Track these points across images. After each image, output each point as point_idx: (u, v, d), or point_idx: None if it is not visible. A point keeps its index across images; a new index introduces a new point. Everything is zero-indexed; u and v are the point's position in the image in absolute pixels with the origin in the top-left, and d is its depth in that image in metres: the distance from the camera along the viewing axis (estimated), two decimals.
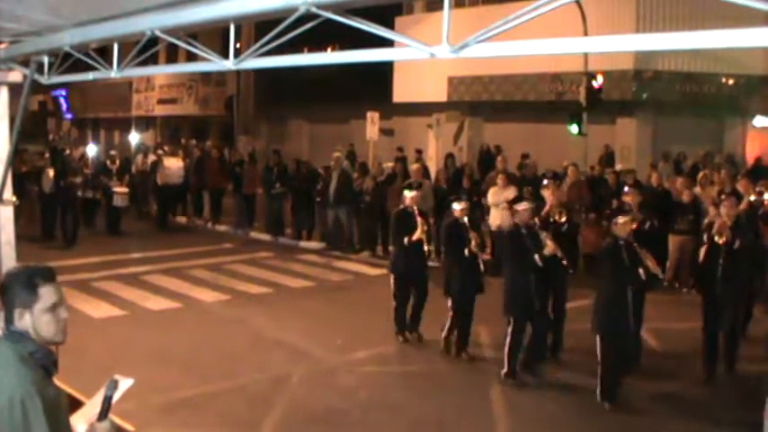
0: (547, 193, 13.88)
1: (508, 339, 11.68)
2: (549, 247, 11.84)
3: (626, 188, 15.73)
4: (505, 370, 11.65)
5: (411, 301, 13.90)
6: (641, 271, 10.85)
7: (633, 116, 28.77)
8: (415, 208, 13.75)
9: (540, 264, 11.67)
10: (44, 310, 4.08)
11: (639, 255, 10.96)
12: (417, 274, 13.79)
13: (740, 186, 17.04)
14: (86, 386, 5.37)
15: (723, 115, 28.99)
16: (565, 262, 12.27)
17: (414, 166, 21.33)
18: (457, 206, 13.06)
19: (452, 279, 12.96)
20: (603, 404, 10.68)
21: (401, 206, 14.13)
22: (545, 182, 14.57)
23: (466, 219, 12.93)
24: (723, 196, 14.14)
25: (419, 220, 13.56)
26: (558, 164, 23.02)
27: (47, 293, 4.10)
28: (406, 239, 13.46)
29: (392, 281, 13.96)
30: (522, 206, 12.31)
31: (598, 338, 10.75)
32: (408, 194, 14.01)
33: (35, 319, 4.06)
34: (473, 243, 12.68)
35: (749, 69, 27.28)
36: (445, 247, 13.80)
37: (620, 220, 11.08)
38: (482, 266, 12.99)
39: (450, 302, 12.94)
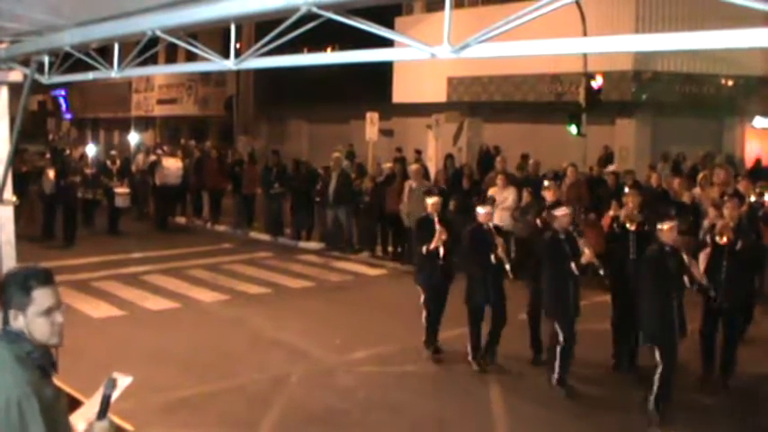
0: (548, 194, 13.77)
1: (559, 348, 11.28)
2: (587, 255, 11.36)
3: (626, 189, 15.65)
4: (556, 377, 11.32)
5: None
6: (686, 279, 10.49)
7: (632, 117, 28.77)
8: (436, 215, 12.98)
9: (576, 272, 11.35)
10: (37, 313, 4.06)
11: (685, 262, 10.59)
12: (441, 285, 12.94)
13: (740, 187, 17.03)
14: (85, 386, 5.37)
15: (722, 116, 29.01)
16: (602, 271, 11.78)
17: (413, 167, 21.33)
18: (481, 210, 12.55)
19: (475, 287, 12.35)
20: (654, 416, 10.25)
21: (423, 213, 13.53)
22: (546, 183, 14.40)
23: (491, 223, 12.57)
24: (726, 197, 14.09)
25: (438, 227, 12.74)
26: (558, 164, 23.03)
27: (41, 296, 4.08)
28: (423, 248, 12.74)
29: (421, 292, 13.16)
30: (560, 211, 11.79)
31: (657, 351, 10.25)
32: (430, 201, 13.21)
33: (28, 322, 4.04)
34: (499, 249, 12.16)
35: (748, 70, 27.27)
36: (469, 253, 12.67)
37: (666, 225, 10.54)
38: (510, 274, 12.31)
39: (469, 312, 12.45)
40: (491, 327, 12.40)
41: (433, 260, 12.80)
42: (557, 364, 11.26)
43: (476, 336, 12.41)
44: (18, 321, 4.04)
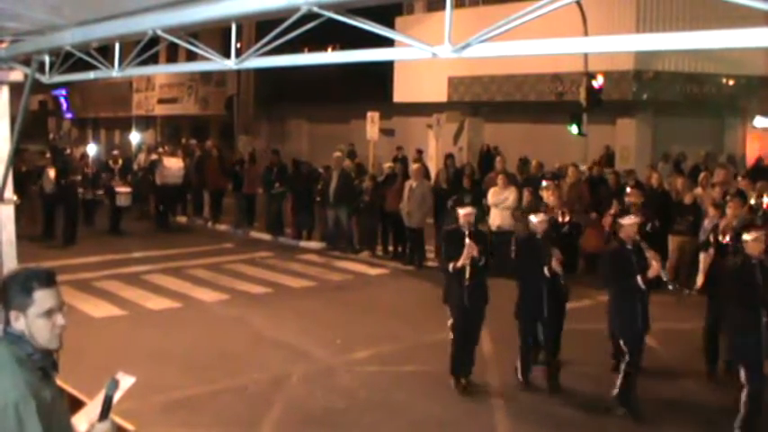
0: (547, 194, 13.69)
1: (623, 366, 10.53)
2: (654, 267, 10.42)
3: (628, 189, 15.52)
4: (616, 392, 10.52)
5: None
6: None
7: (633, 116, 28.77)
8: (467, 228, 11.49)
9: (643, 286, 10.38)
10: (38, 314, 4.04)
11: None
12: (472, 308, 11.43)
13: (741, 187, 17.06)
14: (86, 386, 5.38)
15: (723, 116, 29.05)
16: (671, 286, 11.28)
17: (414, 166, 21.35)
18: (534, 218, 11.68)
19: (527, 302, 11.50)
20: None
21: (453, 225, 12.01)
22: (544, 183, 14.27)
23: (541, 233, 11.56)
24: (728, 197, 14.07)
25: (467, 242, 11.31)
26: (560, 164, 23.07)
27: (42, 298, 4.06)
28: (450, 265, 11.41)
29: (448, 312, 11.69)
30: (628, 220, 10.85)
31: (742, 369, 9.59)
32: (462, 212, 11.65)
33: (29, 323, 4.02)
34: (554, 261, 11.30)
35: (749, 70, 27.28)
36: (519, 265, 11.79)
37: (752, 236, 9.77)
38: (566, 291, 11.69)
39: (521, 329, 11.63)
40: (544, 341, 11.48)
41: (460, 279, 11.36)
42: (618, 380, 10.51)
43: (525, 352, 11.64)
44: (19, 322, 4.02)
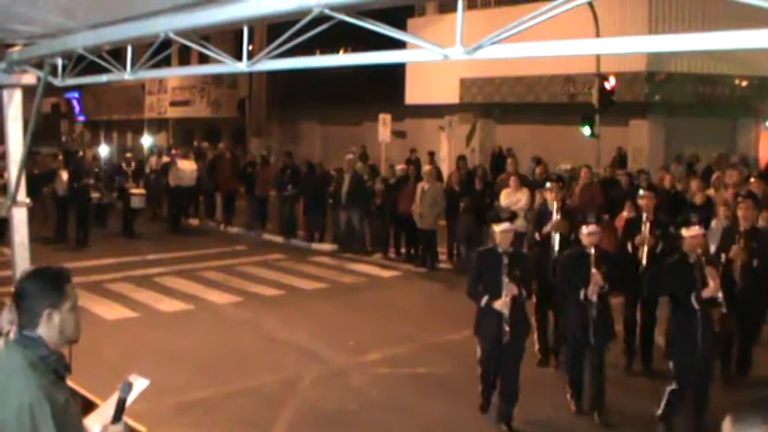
0: (550, 197, 13.55)
1: (668, 391, 9.84)
2: (711, 287, 9.55)
3: (641, 191, 15.33)
4: (660, 413, 9.83)
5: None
6: None
7: (646, 118, 28.72)
8: (504, 248, 9.99)
9: (696, 306, 9.54)
10: (70, 308, 4.13)
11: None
12: (509, 346, 9.97)
13: (753, 188, 16.96)
14: (99, 388, 5.40)
15: (736, 117, 28.93)
16: (724, 309, 10.24)
17: (426, 168, 21.35)
18: (585, 230, 10.46)
19: (570, 327, 10.59)
20: None
21: (488, 245, 10.55)
22: (548, 184, 14.10)
23: (593, 249, 10.33)
24: (740, 198, 13.95)
25: (505, 281, 9.78)
26: (571, 165, 23.05)
27: (72, 292, 4.16)
28: (484, 299, 9.87)
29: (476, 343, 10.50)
30: (692, 231, 9.93)
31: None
32: (497, 229, 10.05)
33: (63, 319, 4.09)
34: (591, 286, 10.14)
35: (762, 71, 27.19)
36: (562, 284, 10.73)
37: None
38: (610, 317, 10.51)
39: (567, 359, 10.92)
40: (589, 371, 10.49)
41: (499, 317, 9.82)
42: (663, 401, 9.81)
43: (575, 375, 10.65)
44: (52, 321, 4.07)
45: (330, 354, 13.21)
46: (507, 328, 9.72)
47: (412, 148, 29.86)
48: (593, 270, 10.11)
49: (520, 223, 18.53)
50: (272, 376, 12.04)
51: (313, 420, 10.46)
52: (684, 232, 10.02)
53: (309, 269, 20.22)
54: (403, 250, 21.61)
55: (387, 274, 19.88)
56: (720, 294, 9.73)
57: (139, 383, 4.38)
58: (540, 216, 13.58)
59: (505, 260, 9.88)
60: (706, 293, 9.52)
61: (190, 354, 13.04)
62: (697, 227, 10.03)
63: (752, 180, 18.12)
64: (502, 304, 9.76)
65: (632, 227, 12.86)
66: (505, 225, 10.06)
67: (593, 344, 10.25)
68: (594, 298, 10.14)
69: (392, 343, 13.75)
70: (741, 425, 3.01)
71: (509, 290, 9.76)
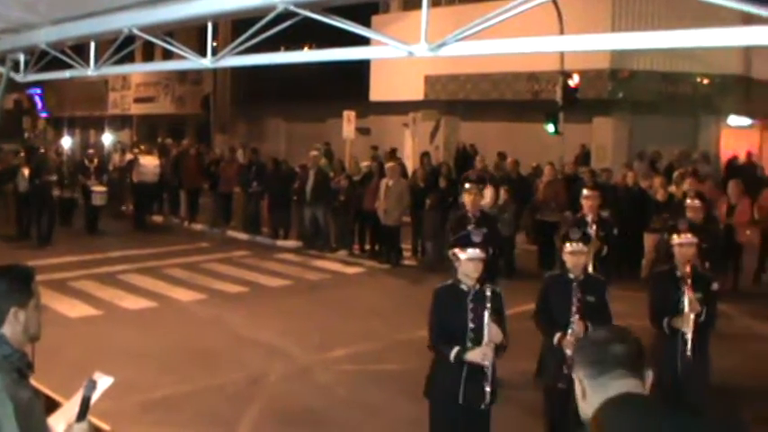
0: (468, 200, 13.24)
1: None
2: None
3: (585, 191, 13.64)
4: None
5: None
6: None
7: (609, 115, 28.89)
8: (577, 275, 8.43)
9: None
10: (35, 306, 4.11)
11: None
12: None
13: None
14: (63, 386, 5.35)
15: (698, 114, 29.16)
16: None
17: (390, 165, 21.35)
18: (676, 239, 8.92)
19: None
20: None
21: (555, 271, 9.05)
22: (467, 185, 13.57)
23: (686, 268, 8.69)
24: (688, 200, 13.96)
25: (575, 320, 8.19)
26: (536, 162, 23.17)
27: (36, 290, 4.15)
28: (556, 337, 8.25)
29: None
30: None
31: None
32: (569, 249, 8.43)
33: (28, 317, 4.07)
34: (685, 319, 8.48)
35: (724, 69, 27.43)
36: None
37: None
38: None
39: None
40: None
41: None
42: None
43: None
44: (18, 319, 4.04)
45: (295, 351, 13.20)
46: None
47: (373, 145, 29.87)
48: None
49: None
50: (237, 373, 12.01)
51: (279, 418, 10.45)
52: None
53: (274, 266, 20.19)
54: (367, 247, 21.64)
55: (351, 270, 19.90)
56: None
57: (104, 381, 4.35)
58: (457, 224, 12.88)
59: (577, 306, 8.26)
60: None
61: (154, 351, 12.97)
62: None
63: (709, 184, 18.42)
64: (569, 339, 8.09)
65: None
66: (577, 247, 8.41)
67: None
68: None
69: (357, 340, 13.76)
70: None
71: (580, 326, 8.12)
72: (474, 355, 7.25)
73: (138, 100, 48.40)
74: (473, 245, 7.49)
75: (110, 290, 17.11)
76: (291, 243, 23.08)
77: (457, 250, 7.53)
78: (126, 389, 9.68)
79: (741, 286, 17.13)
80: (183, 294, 17.01)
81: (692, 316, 8.40)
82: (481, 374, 7.33)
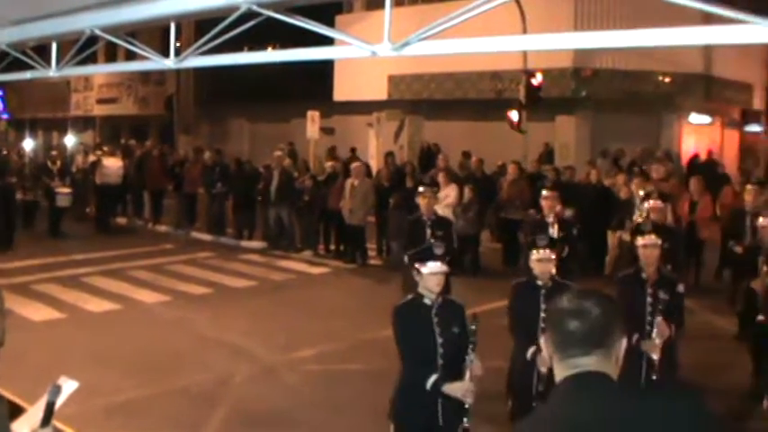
0: (422, 203, 12.78)
1: None
2: (653, 344, 8.07)
3: (544, 192, 13.40)
4: None
5: None
6: None
7: (572, 113, 29.06)
8: (545, 281, 8.07)
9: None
10: (1, 312, 4.07)
11: None
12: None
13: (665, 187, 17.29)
14: (27, 391, 5.31)
15: (660, 112, 29.39)
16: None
17: (355, 164, 21.34)
18: (534, 255, 8.16)
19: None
20: None
21: (522, 279, 8.52)
22: (420, 188, 12.99)
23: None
24: (651, 201, 13.95)
25: (543, 308, 7.82)
26: (500, 160, 23.26)
27: (1, 295, 4.10)
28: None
29: None
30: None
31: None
32: (536, 255, 8.08)
33: None
34: (652, 346, 8.06)
35: (685, 67, 27.66)
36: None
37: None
38: None
39: None
40: None
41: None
42: None
43: None
44: None
45: (261, 351, 13.17)
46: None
47: (332, 146, 29.83)
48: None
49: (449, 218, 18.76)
50: (202, 375, 11.96)
51: (245, 419, 10.42)
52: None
53: (239, 267, 20.13)
54: (332, 247, 21.62)
55: (316, 270, 19.87)
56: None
57: (68, 386, 4.32)
58: (412, 227, 12.54)
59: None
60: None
61: (119, 354, 12.89)
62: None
63: (672, 181, 18.57)
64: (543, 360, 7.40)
65: (537, 230, 11.62)
66: (544, 253, 8.08)
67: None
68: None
69: (323, 340, 13.74)
70: None
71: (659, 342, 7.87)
72: (454, 390, 6.78)
73: (100, 101, 48.06)
74: (435, 258, 7.06)
75: (74, 293, 16.99)
76: (256, 244, 23.02)
77: (418, 264, 7.08)
78: (91, 393, 9.62)
79: (702, 282, 17.26)
80: (147, 296, 16.92)
81: (658, 341, 8.01)
82: (459, 409, 6.86)
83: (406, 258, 10.58)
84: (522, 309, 8.05)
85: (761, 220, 11.77)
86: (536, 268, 8.05)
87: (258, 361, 12.74)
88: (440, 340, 6.91)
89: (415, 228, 12.23)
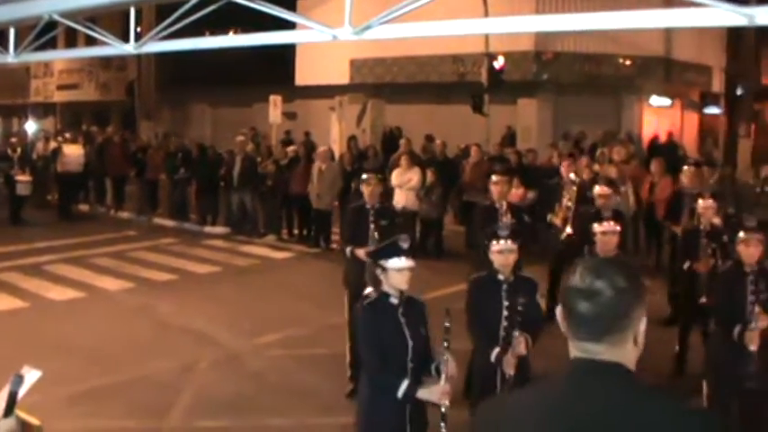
0: (366, 191, 11.38)
1: None
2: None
3: (492, 176, 12.26)
4: None
5: None
6: None
7: (534, 96, 29.16)
8: (506, 274, 7.54)
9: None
10: None
11: None
12: None
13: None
14: None
15: (621, 95, 29.57)
16: None
17: (320, 149, 21.31)
18: (495, 246, 7.56)
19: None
20: None
21: (481, 273, 7.88)
22: (364, 176, 11.78)
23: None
24: (597, 187, 13.74)
25: (515, 335, 7.19)
26: (463, 143, 23.30)
27: None
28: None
29: None
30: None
31: None
32: (497, 246, 7.56)
33: None
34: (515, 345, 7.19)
35: (646, 50, 27.85)
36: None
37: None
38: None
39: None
40: None
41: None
42: None
43: None
44: None
45: (226, 337, 13.16)
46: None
47: (287, 130, 29.68)
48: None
49: (413, 202, 18.82)
50: (167, 362, 11.92)
51: (210, 405, 10.40)
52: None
53: (202, 253, 20.08)
54: (296, 231, 21.60)
55: (280, 255, 19.85)
56: None
57: (31, 375, 4.29)
58: (354, 216, 11.37)
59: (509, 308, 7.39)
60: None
61: (83, 342, 12.83)
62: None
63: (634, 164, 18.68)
64: (510, 361, 7.17)
65: (488, 218, 11.12)
66: (505, 244, 7.51)
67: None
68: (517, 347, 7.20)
69: (288, 324, 13.75)
70: None
71: (517, 346, 7.19)
72: (431, 394, 6.31)
73: (61, 87, 47.61)
74: (400, 253, 6.51)
75: (35, 281, 16.88)
76: (219, 229, 22.95)
77: (382, 261, 6.53)
78: (54, 382, 9.57)
79: (662, 263, 17.39)
80: (110, 284, 16.83)
81: None
82: (423, 419, 6.54)
83: (348, 251, 10.52)
84: (483, 306, 7.51)
85: (701, 202, 11.69)
86: (496, 261, 7.51)
87: (222, 347, 12.72)
88: (410, 343, 6.44)
89: (356, 216, 11.21)
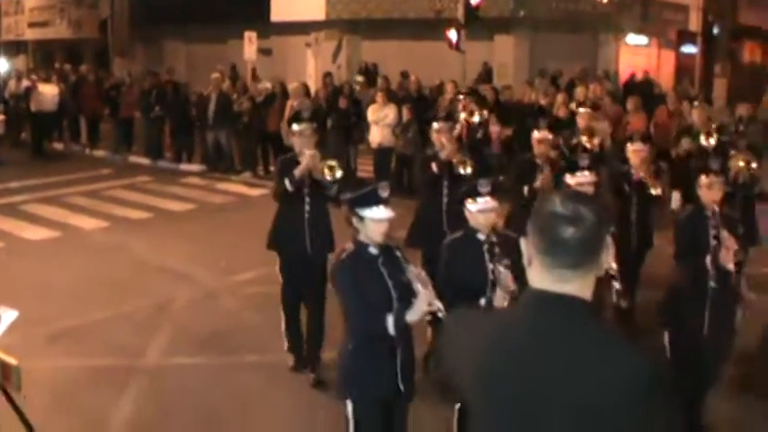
0: (444, 139, 10.46)
1: None
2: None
3: (434, 124, 11.22)
4: None
5: None
6: None
7: (510, 33, 29.07)
8: (487, 234, 7.05)
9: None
10: None
11: None
12: None
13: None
14: None
15: (598, 33, 29.54)
16: None
17: (293, 85, 21.18)
18: (473, 207, 7.03)
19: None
20: None
21: (457, 234, 7.32)
22: (435, 125, 10.86)
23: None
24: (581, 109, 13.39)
25: (502, 270, 6.77)
26: (439, 80, 23.23)
27: None
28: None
29: None
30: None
31: None
32: (474, 207, 7.01)
33: None
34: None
35: None
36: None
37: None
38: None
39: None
40: None
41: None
42: None
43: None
44: None
45: (201, 275, 13.21)
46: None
47: (253, 68, 29.49)
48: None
49: (389, 139, 18.83)
50: (143, 301, 11.98)
51: (186, 343, 10.47)
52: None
53: (178, 190, 20.06)
54: (272, 168, 21.55)
55: (256, 192, 19.83)
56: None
57: (8, 315, 4.34)
58: (285, 166, 10.44)
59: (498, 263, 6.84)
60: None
61: (59, 282, 12.86)
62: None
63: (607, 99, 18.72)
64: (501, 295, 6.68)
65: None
66: (485, 204, 6.96)
67: None
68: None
69: (263, 262, 13.66)
70: None
71: (506, 282, 6.68)
72: (418, 308, 6.03)
73: (32, 24, 47.01)
74: (379, 201, 6.23)
75: (10, 221, 16.83)
76: (195, 167, 22.89)
77: (359, 209, 6.22)
78: (31, 321, 9.63)
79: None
80: (85, 223, 16.81)
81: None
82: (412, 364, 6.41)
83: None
84: (463, 270, 6.92)
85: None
86: (477, 220, 6.99)
87: (199, 284, 12.79)
88: (394, 294, 6.18)
89: (286, 167, 10.32)
